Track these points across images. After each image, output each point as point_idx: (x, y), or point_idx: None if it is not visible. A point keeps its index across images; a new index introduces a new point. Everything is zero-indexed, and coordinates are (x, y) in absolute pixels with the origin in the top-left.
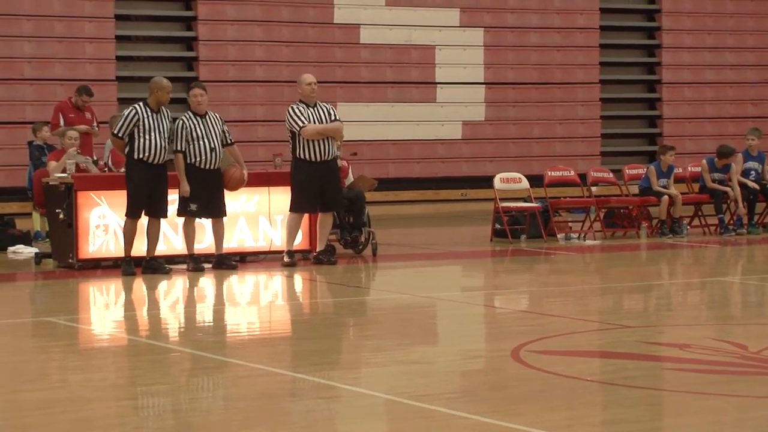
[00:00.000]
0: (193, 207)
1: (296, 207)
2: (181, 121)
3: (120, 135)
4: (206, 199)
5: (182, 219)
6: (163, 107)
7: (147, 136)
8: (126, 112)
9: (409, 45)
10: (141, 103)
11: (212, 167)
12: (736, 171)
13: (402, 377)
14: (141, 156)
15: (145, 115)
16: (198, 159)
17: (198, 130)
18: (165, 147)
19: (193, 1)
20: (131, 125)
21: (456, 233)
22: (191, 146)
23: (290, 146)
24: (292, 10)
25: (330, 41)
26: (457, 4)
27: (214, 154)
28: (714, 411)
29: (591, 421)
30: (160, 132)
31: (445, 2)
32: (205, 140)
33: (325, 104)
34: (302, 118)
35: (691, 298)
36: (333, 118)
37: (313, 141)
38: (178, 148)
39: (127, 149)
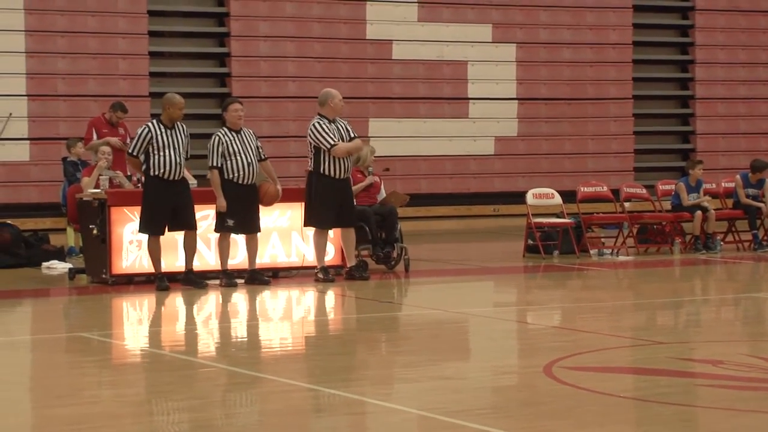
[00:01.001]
0: (230, 222)
1: (320, 223)
2: (217, 137)
3: (135, 153)
4: (243, 214)
5: (216, 234)
6: (179, 123)
7: (162, 153)
8: (139, 130)
9: (441, 60)
10: (155, 121)
11: (249, 182)
12: None
13: (434, 393)
14: (157, 173)
15: (159, 132)
16: (235, 174)
17: (234, 145)
18: (181, 163)
19: (225, 17)
20: (145, 143)
21: (488, 249)
22: (229, 162)
23: (311, 162)
24: (324, 26)
25: (362, 57)
26: (489, 19)
27: (251, 168)
28: (747, 428)
29: None
30: (175, 148)
31: (478, 18)
32: (242, 155)
33: (342, 120)
34: (331, 135)
35: (724, 314)
36: (351, 135)
37: (339, 158)
38: (214, 164)
39: (144, 167)
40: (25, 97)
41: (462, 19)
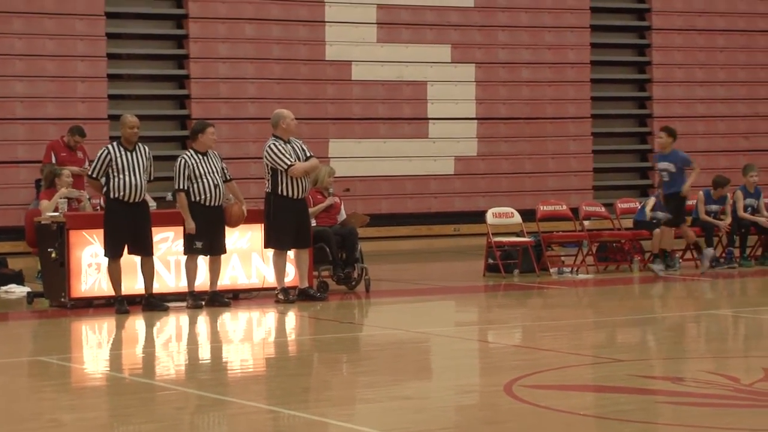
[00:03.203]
0: (199, 245)
1: (280, 244)
2: (183, 160)
3: (95, 176)
4: (210, 236)
5: (180, 255)
6: (140, 144)
7: (121, 176)
8: (99, 153)
9: (400, 81)
10: (115, 143)
11: (216, 204)
12: (738, 207)
13: (396, 413)
14: (117, 195)
15: (119, 154)
16: (202, 197)
17: (201, 167)
18: (141, 185)
19: (185, 38)
20: (104, 165)
21: (449, 268)
22: (195, 184)
23: (268, 183)
24: (283, 48)
25: (321, 78)
26: (448, 40)
27: (217, 191)
28: None
29: None
30: (135, 170)
31: (437, 38)
32: (209, 177)
33: (297, 140)
34: (287, 156)
35: (683, 331)
36: (307, 154)
37: (297, 179)
38: (181, 187)
39: (104, 189)
40: None
41: (421, 40)
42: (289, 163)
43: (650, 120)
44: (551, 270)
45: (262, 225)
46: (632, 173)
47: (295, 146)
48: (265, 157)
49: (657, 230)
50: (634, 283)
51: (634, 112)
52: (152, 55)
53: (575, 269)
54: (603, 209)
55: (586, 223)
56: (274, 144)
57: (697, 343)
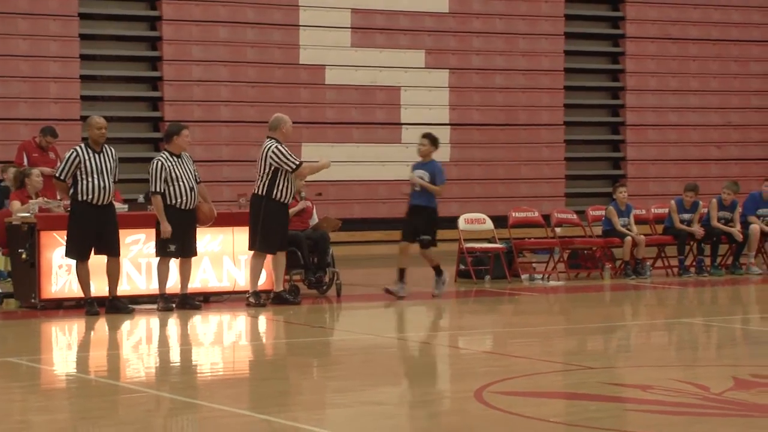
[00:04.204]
0: (172, 248)
1: (268, 247)
2: (159, 162)
3: (62, 178)
4: (183, 239)
5: (152, 258)
6: (107, 146)
7: (90, 178)
8: (67, 154)
9: (374, 86)
10: (83, 145)
11: (190, 207)
12: (713, 216)
13: (366, 418)
14: (85, 198)
15: (87, 157)
16: (178, 200)
17: (176, 170)
18: (108, 188)
19: (158, 41)
20: (73, 167)
21: (421, 274)
22: (171, 187)
23: (262, 185)
24: (257, 51)
25: (295, 82)
26: (422, 45)
27: (192, 194)
28: None
29: None
30: (103, 173)
31: (411, 44)
32: (184, 180)
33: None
34: (294, 156)
35: (654, 339)
36: None
37: (290, 182)
38: (157, 189)
39: (71, 191)
40: None
41: (395, 45)
42: (297, 162)
43: (623, 128)
44: (523, 277)
45: (233, 228)
46: (604, 181)
47: None
48: (270, 157)
49: (628, 238)
50: (605, 291)
51: (607, 120)
52: (125, 57)
53: (546, 276)
54: (575, 216)
55: (557, 230)
56: (278, 146)
57: (668, 351)
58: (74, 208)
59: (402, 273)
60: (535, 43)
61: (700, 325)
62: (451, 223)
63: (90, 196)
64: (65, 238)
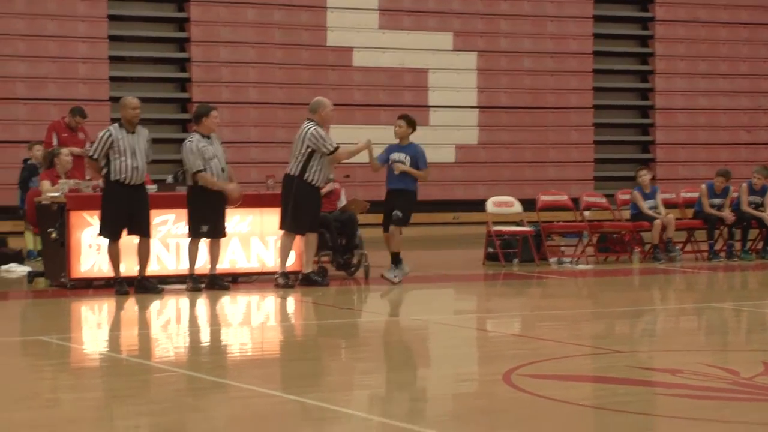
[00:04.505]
0: (205, 228)
1: (298, 227)
2: (192, 143)
3: (95, 157)
4: (215, 220)
5: (178, 239)
6: (140, 127)
7: (123, 158)
8: (100, 134)
9: (402, 68)
10: (116, 125)
11: (221, 188)
12: (743, 200)
13: (393, 400)
14: (118, 177)
15: (120, 136)
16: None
17: (209, 151)
18: (141, 168)
19: (186, 22)
20: (106, 147)
21: (448, 256)
22: (207, 168)
23: (296, 166)
24: (285, 33)
25: (323, 64)
26: (450, 28)
27: (224, 174)
28: None
29: None
30: (136, 153)
31: (439, 26)
32: (216, 161)
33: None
34: (331, 140)
35: (683, 323)
36: None
37: (323, 166)
38: (202, 168)
39: (104, 171)
40: None
41: (423, 27)
42: (334, 145)
43: (652, 111)
44: (551, 260)
45: (261, 210)
46: (633, 164)
47: None
48: (309, 138)
49: (657, 221)
50: (633, 275)
51: (636, 103)
52: (154, 38)
53: (575, 260)
54: (604, 200)
55: (586, 213)
56: (316, 128)
57: (697, 335)
58: (107, 188)
59: (396, 256)
60: (564, 25)
61: (730, 310)
62: (479, 206)
63: (123, 176)
64: (99, 217)
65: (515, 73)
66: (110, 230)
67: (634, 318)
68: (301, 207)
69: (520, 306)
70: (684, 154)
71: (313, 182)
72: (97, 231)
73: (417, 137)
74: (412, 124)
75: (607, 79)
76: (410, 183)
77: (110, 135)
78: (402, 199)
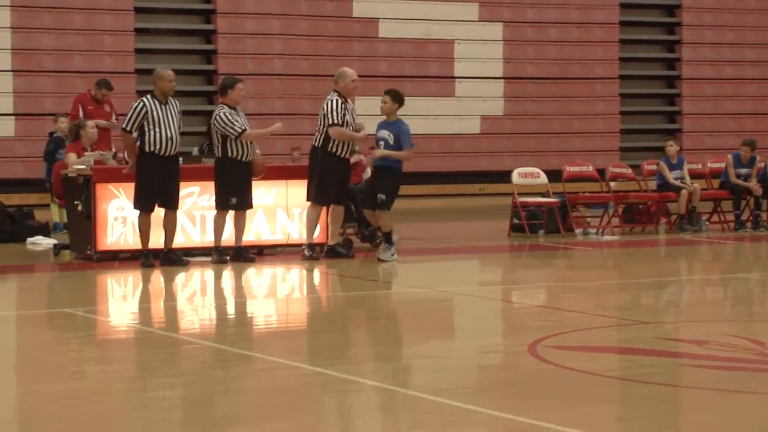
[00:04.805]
0: (234, 201)
1: (322, 198)
2: (223, 113)
3: (129, 129)
4: (243, 192)
5: (208, 211)
6: (171, 98)
7: (156, 128)
8: (134, 105)
9: (427, 39)
10: (149, 96)
11: (249, 159)
12: None
13: (418, 371)
14: (152, 149)
15: (154, 108)
16: (239, 153)
17: (238, 122)
18: (176, 138)
19: None
20: (140, 118)
21: (474, 228)
22: (231, 139)
23: (319, 138)
24: (310, 4)
25: (348, 35)
26: None
27: (252, 146)
28: (731, 408)
29: (607, 417)
30: (169, 124)
31: None
32: (241, 129)
33: (351, 103)
34: (338, 114)
35: (709, 294)
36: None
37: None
38: (243, 128)
39: (138, 142)
40: (11, 73)
41: None
42: (335, 120)
43: (679, 82)
44: (576, 231)
45: (287, 182)
46: (659, 135)
47: (350, 104)
48: (323, 109)
49: (684, 191)
50: (660, 246)
51: (662, 74)
52: (179, 10)
53: (601, 231)
54: (630, 171)
55: (612, 184)
56: (334, 99)
57: (723, 306)
58: (141, 159)
59: (388, 236)
60: None
61: (756, 281)
62: (505, 177)
63: (157, 147)
64: (134, 189)
65: (541, 44)
66: (144, 202)
67: (660, 289)
68: (324, 178)
69: (545, 277)
70: (710, 124)
71: (338, 153)
72: (127, 204)
73: (443, 108)
74: (398, 100)
75: (634, 49)
76: (394, 161)
77: (143, 106)
78: (386, 180)
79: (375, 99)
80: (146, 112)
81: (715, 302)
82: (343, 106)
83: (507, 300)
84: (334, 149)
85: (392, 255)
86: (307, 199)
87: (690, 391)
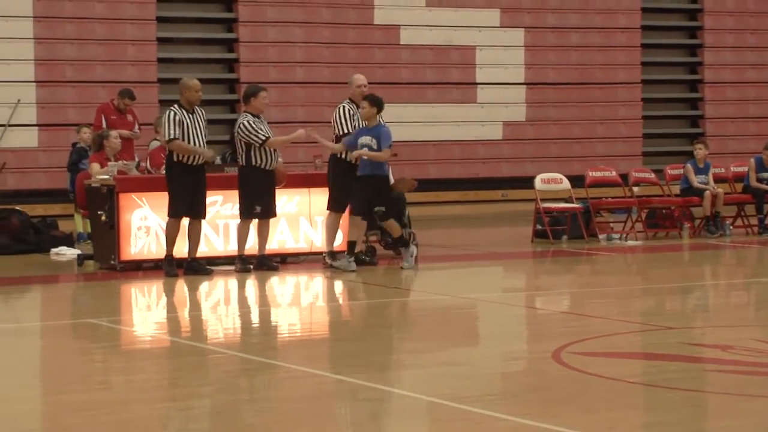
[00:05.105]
0: (259, 209)
1: (337, 206)
2: (247, 121)
3: (174, 136)
4: (268, 200)
5: (232, 220)
6: (198, 108)
7: (185, 138)
8: (167, 115)
9: (449, 46)
10: (176, 105)
11: (273, 167)
12: None
13: (443, 378)
14: (182, 158)
15: (183, 117)
16: (263, 161)
17: (262, 130)
18: (204, 148)
19: (233, 2)
20: (176, 125)
21: (497, 234)
22: (255, 147)
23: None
24: (332, 12)
25: (370, 42)
26: (497, 4)
27: (276, 154)
28: (756, 413)
29: (632, 423)
30: (198, 133)
31: (486, 3)
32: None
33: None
34: (348, 125)
35: (734, 299)
36: None
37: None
38: (267, 136)
39: (167, 151)
40: (34, 84)
41: (470, 4)
42: (344, 131)
43: (701, 86)
44: (600, 236)
45: (309, 190)
46: (682, 139)
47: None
48: (333, 119)
49: (707, 193)
50: (683, 250)
51: (684, 78)
52: (201, 19)
53: (624, 236)
54: (653, 175)
55: (635, 189)
56: (345, 106)
57: (748, 311)
58: (172, 169)
59: (352, 246)
60: (611, 0)
61: None
62: (528, 183)
63: (183, 157)
64: (168, 197)
65: (563, 49)
66: (176, 209)
67: (684, 294)
68: (336, 185)
69: (569, 283)
70: (733, 128)
71: (349, 160)
72: (150, 213)
73: (465, 114)
74: (376, 104)
75: (656, 53)
76: (377, 167)
77: (176, 114)
78: (372, 187)
79: (397, 106)
80: (179, 119)
81: (739, 307)
82: (350, 113)
83: (531, 306)
84: (347, 156)
85: (411, 256)
86: (327, 208)
87: (715, 397)
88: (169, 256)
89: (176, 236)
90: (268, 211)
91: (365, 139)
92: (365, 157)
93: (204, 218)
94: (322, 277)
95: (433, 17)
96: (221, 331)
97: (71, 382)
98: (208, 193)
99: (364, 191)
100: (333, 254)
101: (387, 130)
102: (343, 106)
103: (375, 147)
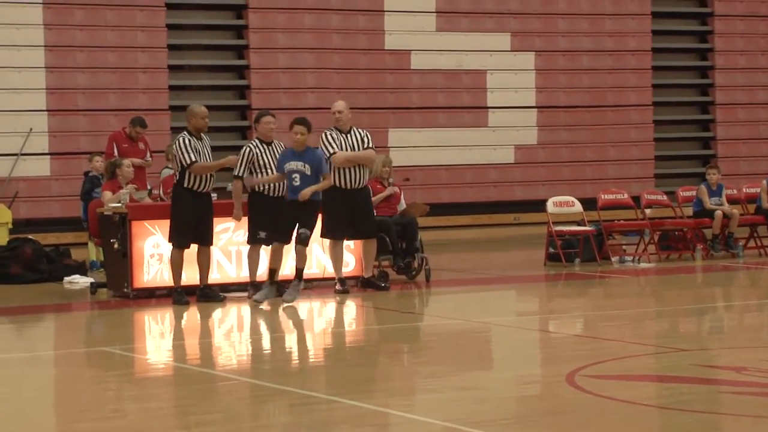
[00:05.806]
0: (262, 235)
1: (329, 233)
2: (248, 148)
3: (194, 160)
4: (274, 226)
5: (239, 246)
6: (204, 134)
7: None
8: (180, 141)
9: (460, 70)
10: (185, 132)
11: (278, 194)
12: None
13: (457, 403)
14: (190, 184)
15: (195, 143)
16: (266, 187)
17: (265, 157)
18: (212, 175)
19: (244, 29)
20: (192, 149)
21: (509, 257)
22: (259, 174)
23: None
24: (343, 37)
25: (381, 67)
26: (507, 28)
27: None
28: None
29: None
30: (205, 160)
31: (496, 27)
32: (272, 168)
33: (359, 130)
34: (333, 145)
35: (747, 320)
36: (366, 145)
37: (343, 168)
38: (240, 174)
39: (176, 178)
40: (46, 112)
41: (480, 28)
42: (331, 150)
43: (712, 107)
44: (613, 259)
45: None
46: (694, 161)
47: (355, 136)
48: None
49: (718, 212)
50: (696, 272)
51: (695, 99)
52: (212, 46)
53: (637, 258)
54: (665, 197)
55: (647, 211)
56: (327, 133)
57: (762, 332)
58: (179, 194)
59: (273, 274)
60: (622, 23)
61: None
62: (540, 206)
63: (195, 183)
64: (170, 224)
65: (574, 72)
66: (180, 238)
67: (698, 316)
68: (328, 213)
69: (582, 306)
70: (745, 150)
71: (341, 186)
72: (163, 241)
73: (477, 138)
74: (310, 129)
75: (667, 75)
76: (315, 194)
77: (188, 140)
78: (307, 210)
79: (409, 131)
80: (194, 145)
81: (753, 328)
82: (336, 137)
83: (544, 330)
84: (338, 182)
85: (295, 290)
86: (321, 236)
87: (730, 419)
88: (178, 287)
89: (182, 267)
90: (271, 237)
91: (295, 165)
92: (302, 199)
93: (212, 245)
94: (335, 302)
95: (444, 42)
96: (234, 357)
97: (85, 410)
98: (220, 220)
99: (294, 215)
100: (343, 280)
101: (320, 154)
102: (325, 132)
103: (308, 172)
